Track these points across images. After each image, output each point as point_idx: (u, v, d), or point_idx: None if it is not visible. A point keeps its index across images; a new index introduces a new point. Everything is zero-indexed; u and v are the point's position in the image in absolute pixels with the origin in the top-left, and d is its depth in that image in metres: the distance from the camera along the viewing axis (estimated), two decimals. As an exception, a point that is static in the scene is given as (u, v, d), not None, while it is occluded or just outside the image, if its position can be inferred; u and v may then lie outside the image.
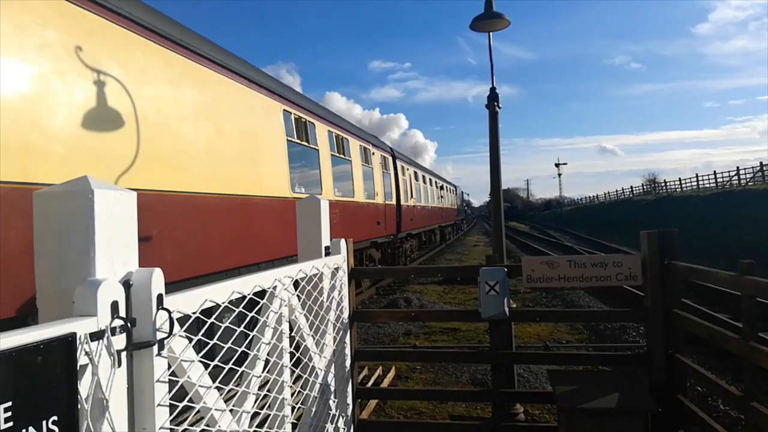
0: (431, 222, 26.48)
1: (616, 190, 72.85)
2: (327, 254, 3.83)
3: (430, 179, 26.96)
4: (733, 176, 40.59)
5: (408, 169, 20.34)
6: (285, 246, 7.43)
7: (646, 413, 3.49)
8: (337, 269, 4.00)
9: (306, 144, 9.35)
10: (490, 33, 6.01)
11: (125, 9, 4.92)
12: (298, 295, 3.13)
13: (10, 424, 1.20)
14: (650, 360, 4.08)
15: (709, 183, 44.58)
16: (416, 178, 22.39)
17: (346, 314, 4.22)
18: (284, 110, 8.37)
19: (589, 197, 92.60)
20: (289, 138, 8.38)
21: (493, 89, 5.75)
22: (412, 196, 20.56)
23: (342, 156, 11.65)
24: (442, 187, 31.89)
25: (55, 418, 1.32)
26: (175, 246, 5.32)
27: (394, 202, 16.93)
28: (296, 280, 3.10)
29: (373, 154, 14.75)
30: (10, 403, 1.20)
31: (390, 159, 17.13)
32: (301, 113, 9.15)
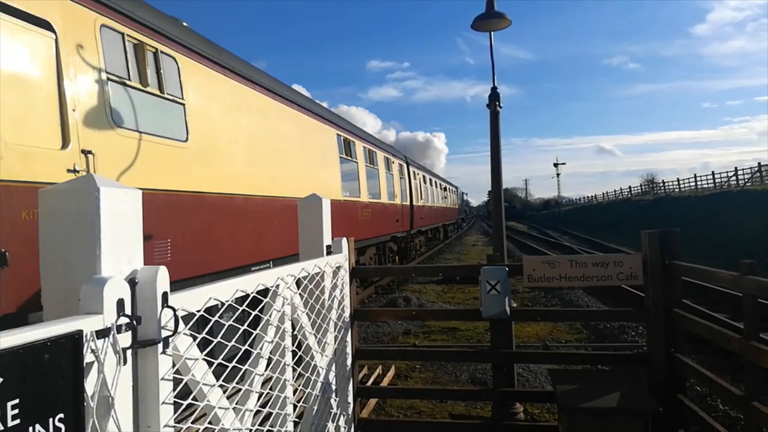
0: (437, 220, 29.38)
1: (615, 191, 73.00)
2: (328, 253, 3.83)
3: (435, 181, 29.66)
4: (731, 177, 40.69)
5: (418, 174, 23.22)
6: (336, 234, 10.89)
7: (646, 413, 3.49)
8: (338, 268, 4.00)
9: (350, 158, 12.30)
10: (492, 33, 6.02)
11: (266, 83, 8.05)
12: (300, 294, 3.13)
13: (18, 421, 1.20)
14: (651, 359, 4.09)
15: (707, 183, 44.68)
16: (424, 181, 25.09)
17: (347, 313, 4.22)
18: (337, 134, 11.49)
19: (588, 197, 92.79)
20: (340, 155, 11.44)
21: (494, 89, 5.76)
22: (422, 197, 23.38)
23: (372, 166, 14.42)
24: (445, 189, 34.56)
25: (61, 415, 1.32)
26: (282, 232, 7.86)
27: (408, 202, 19.57)
28: (298, 279, 3.10)
29: (393, 162, 17.59)
30: (17, 400, 1.20)
31: (405, 165, 19.93)
32: (346, 135, 12.21)
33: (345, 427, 3.99)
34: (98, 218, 1.60)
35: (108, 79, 4.84)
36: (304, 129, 9.52)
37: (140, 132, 5.15)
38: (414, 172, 21.87)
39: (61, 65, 4.31)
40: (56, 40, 4.31)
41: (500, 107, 5.77)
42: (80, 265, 1.60)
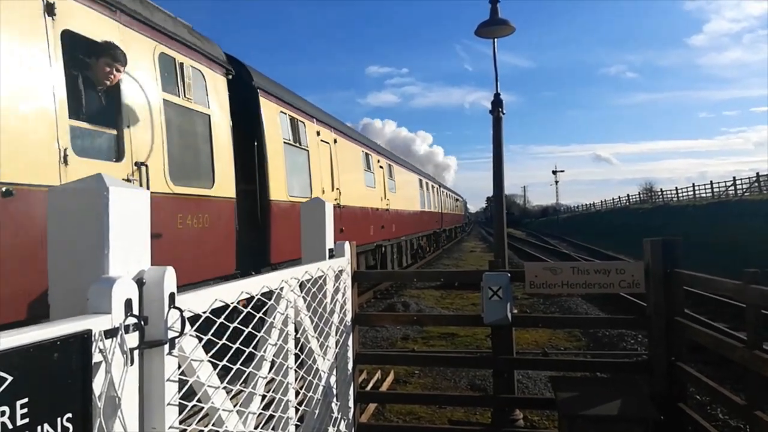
0: (453, 223, 42.35)
1: (613, 198, 73.19)
2: (331, 257, 3.83)
3: (451, 195, 42.81)
4: (729, 186, 40.80)
5: (443, 190, 35.14)
6: (421, 227, 22.78)
7: (647, 421, 3.48)
8: (341, 272, 4.00)
9: (422, 188, 24.53)
10: (495, 39, 6.04)
11: (384, 151, 17.11)
12: (303, 297, 3.12)
13: (27, 420, 1.19)
14: (652, 367, 4.08)
15: (706, 193, 44.79)
16: (447, 196, 37.87)
17: (349, 317, 4.21)
18: (419, 179, 23.68)
19: (586, 205, 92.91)
20: (420, 188, 23.11)
21: (497, 95, 5.77)
22: (446, 207, 35.55)
23: (427, 190, 26.27)
24: (456, 200, 48.45)
25: (69, 415, 1.32)
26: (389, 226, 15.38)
27: (440, 211, 31.41)
28: (302, 282, 3.09)
29: (434, 186, 29.79)
30: (26, 399, 1.19)
31: (438, 187, 32.10)
32: (421, 177, 24.79)
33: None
34: (107, 218, 1.59)
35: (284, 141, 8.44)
36: (410, 180, 21.46)
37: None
38: (440, 189, 33.04)
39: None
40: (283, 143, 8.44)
41: (503, 113, 5.79)
42: (88, 264, 1.59)
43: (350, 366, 4.22)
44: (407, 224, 19.27)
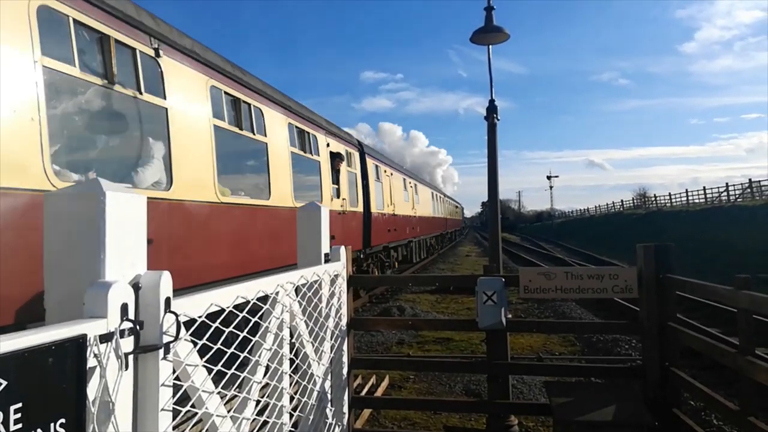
0: (453, 227, 49.73)
1: (607, 204, 73.52)
2: (326, 261, 3.83)
3: (452, 202, 50.18)
4: (722, 192, 41.08)
5: (447, 199, 42.83)
6: (435, 228, 31.49)
7: (642, 427, 3.50)
8: (336, 276, 4.00)
9: (434, 200, 31.96)
10: (490, 46, 6.08)
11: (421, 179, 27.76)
12: (299, 302, 3.12)
13: (20, 425, 1.19)
14: (645, 373, 4.10)
15: (699, 198, 45.07)
16: (449, 204, 44.91)
17: (344, 321, 4.21)
18: (432, 192, 31.60)
19: (580, 210, 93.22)
20: (433, 200, 30.95)
21: (492, 101, 5.80)
22: (448, 213, 42.15)
23: (438, 201, 33.86)
24: (456, 207, 56.55)
25: (62, 420, 1.31)
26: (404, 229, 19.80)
27: (447, 216, 39.88)
28: (297, 287, 3.09)
29: (441, 197, 36.94)
30: (20, 404, 1.19)
31: (443, 196, 39.21)
32: (434, 191, 33.19)
33: (339, 437, 3.97)
34: (103, 222, 1.59)
35: (374, 180, 15.09)
36: (426, 193, 28.33)
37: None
38: (446, 199, 41.63)
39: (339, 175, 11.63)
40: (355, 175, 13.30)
41: (498, 119, 5.82)
42: (84, 268, 1.59)
43: (345, 371, 4.21)
44: (425, 226, 26.62)
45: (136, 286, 1.66)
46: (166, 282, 1.73)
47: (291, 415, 2.99)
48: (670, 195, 52.13)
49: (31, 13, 3.89)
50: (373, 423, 5.66)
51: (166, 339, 1.74)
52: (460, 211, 67.42)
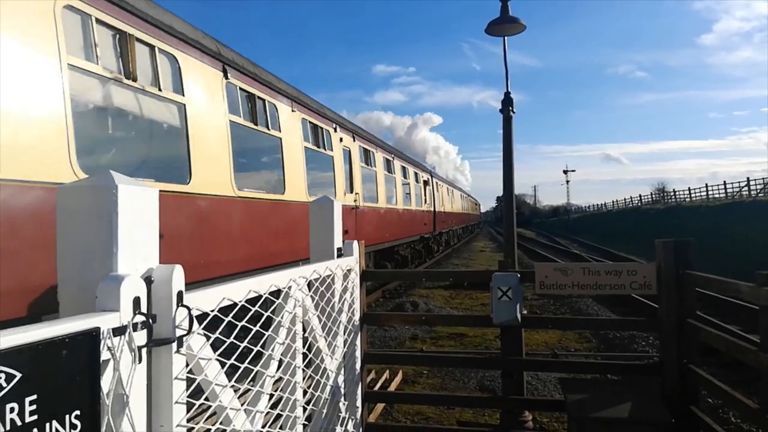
0: (474, 220, 59.19)
1: (624, 199, 72.51)
2: (339, 256, 3.83)
3: (471, 200, 56.92)
4: (743, 187, 40.27)
5: (469, 198, 50.61)
6: (459, 221, 39.75)
7: (659, 424, 3.44)
8: (349, 271, 3.99)
9: (463, 198, 44.11)
10: (505, 37, 6.00)
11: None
12: (312, 296, 3.12)
13: (35, 417, 1.20)
14: (663, 370, 4.04)
15: (719, 193, 44.25)
16: (469, 201, 51.23)
17: (357, 316, 4.20)
18: (461, 195, 42.51)
19: (597, 205, 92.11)
20: (462, 194, 43.60)
21: (507, 94, 5.73)
22: (470, 209, 48.54)
23: (463, 200, 43.34)
24: (475, 204, 65.30)
25: (77, 412, 1.32)
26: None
27: (468, 212, 48.33)
28: (310, 281, 3.09)
29: (467, 198, 48.89)
30: (35, 396, 1.20)
31: (467, 196, 47.87)
32: (453, 188, 38.02)
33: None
34: (116, 216, 1.60)
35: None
36: (458, 194, 39.37)
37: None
38: (469, 198, 50.27)
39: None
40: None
41: (513, 112, 5.75)
42: (97, 262, 1.60)
43: (358, 365, 4.21)
44: (458, 220, 37.92)
45: (148, 280, 1.67)
46: (178, 276, 1.74)
47: (304, 409, 3.00)
48: (689, 190, 51.28)
49: (57, 12, 4.02)
50: (387, 417, 5.67)
51: (178, 333, 1.75)
52: (478, 207, 77.84)
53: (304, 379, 2.98)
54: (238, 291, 2.16)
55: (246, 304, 2.23)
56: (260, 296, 2.36)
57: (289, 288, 2.72)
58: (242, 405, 2.22)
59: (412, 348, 8.62)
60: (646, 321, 6.03)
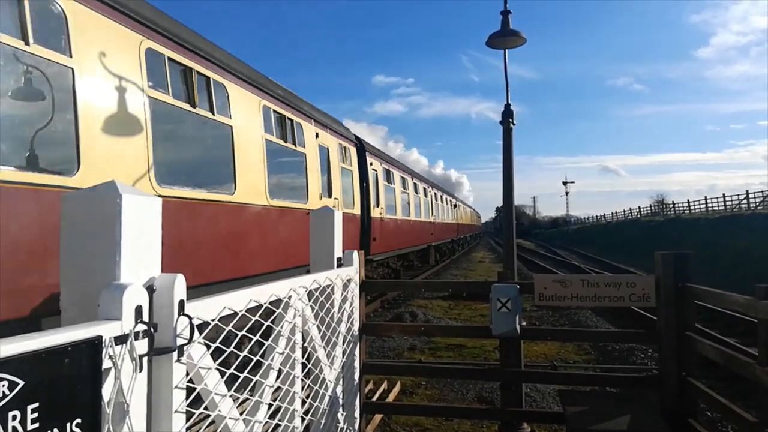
0: (476, 230, 64.25)
1: (624, 210, 72.58)
2: (339, 266, 3.84)
3: (473, 212, 61.01)
4: (742, 200, 40.34)
5: (473, 211, 58.33)
6: (463, 232, 42.54)
7: (658, 437, 3.44)
8: (349, 281, 4.00)
9: (465, 211, 46.52)
10: (506, 50, 6.06)
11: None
12: (311, 306, 3.13)
13: (37, 425, 1.21)
14: (662, 383, 4.03)
15: (718, 206, 44.31)
16: (471, 213, 54.73)
17: (356, 326, 4.20)
18: (453, 204, 36.06)
19: (596, 216, 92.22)
20: (465, 207, 46.78)
21: (507, 105, 5.78)
22: (472, 220, 52.63)
23: (465, 213, 45.82)
24: (478, 215, 71.71)
25: (79, 420, 1.33)
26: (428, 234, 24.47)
27: (471, 223, 53.35)
28: (310, 291, 3.10)
29: (470, 210, 54.53)
30: (37, 404, 1.21)
31: (471, 209, 54.83)
32: (455, 200, 38.11)
33: (351, 442, 3.96)
34: (119, 224, 1.61)
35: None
36: (463, 208, 43.46)
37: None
38: (473, 211, 54.30)
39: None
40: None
41: (513, 124, 5.79)
42: (99, 270, 1.61)
43: (357, 376, 4.21)
44: (464, 230, 42.00)
45: (150, 289, 1.68)
46: (179, 285, 1.75)
47: (303, 419, 2.99)
48: (688, 202, 51.36)
49: (141, 54, 4.97)
50: (385, 428, 5.64)
51: (179, 341, 1.75)
52: (478, 218, 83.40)
53: (302, 389, 2.97)
54: (238, 300, 2.17)
55: (246, 314, 2.24)
56: (260, 305, 2.37)
57: (289, 297, 2.72)
58: (241, 414, 2.22)
59: (410, 359, 8.59)
60: (645, 333, 6.03)
